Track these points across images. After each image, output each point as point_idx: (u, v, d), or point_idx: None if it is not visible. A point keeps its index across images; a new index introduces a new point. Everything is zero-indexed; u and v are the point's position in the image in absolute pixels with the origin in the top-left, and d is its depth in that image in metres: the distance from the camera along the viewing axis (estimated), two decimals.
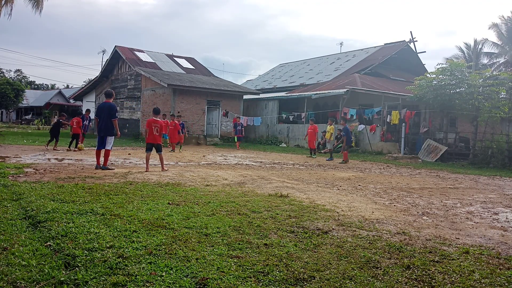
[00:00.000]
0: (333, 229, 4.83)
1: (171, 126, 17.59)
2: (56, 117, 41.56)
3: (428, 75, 20.65)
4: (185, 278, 3.13)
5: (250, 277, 3.21)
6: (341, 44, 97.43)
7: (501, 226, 5.54)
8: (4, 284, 2.89)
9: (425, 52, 39.13)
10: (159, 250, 3.72)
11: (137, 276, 3.09)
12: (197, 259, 3.53)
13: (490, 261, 3.92)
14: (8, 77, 61.33)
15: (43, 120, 47.28)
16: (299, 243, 4.18)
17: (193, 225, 4.62)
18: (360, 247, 4.13)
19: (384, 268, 3.56)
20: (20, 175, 7.97)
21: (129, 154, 14.76)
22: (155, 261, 3.42)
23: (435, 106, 19.40)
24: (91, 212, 4.99)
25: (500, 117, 18.26)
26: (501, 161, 16.13)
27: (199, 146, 22.59)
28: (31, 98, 58.28)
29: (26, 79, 77.22)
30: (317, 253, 3.89)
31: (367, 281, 3.26)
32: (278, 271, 3.36)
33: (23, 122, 52.68)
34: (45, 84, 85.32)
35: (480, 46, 37.51)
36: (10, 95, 43.79)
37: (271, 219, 5.15)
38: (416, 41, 30.62)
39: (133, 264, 3.34)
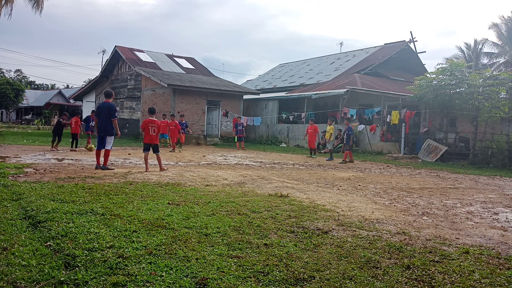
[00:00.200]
0: (333, 229, 4.83)
1: (171, 126, 17.59)
2: (56, 117, 41.63)
3: (428, 75, 20.65)
4: (185, 278, 3.14)
5: (250, 277, 3.21)
6: (341, 44, 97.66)
7: (501, 226, 5.54)
8: (4, 284, 2.89)
9: (425, 52, 39.25)
10: (159, 250, 3.72)
11: (137, 276, 3.09)
12: (197, 259, 3.53)
13: (490, 261, 3.93)
14: (8, 77, 61.26)
15: (43, 120, 47.26)
16: (299, 243, 4.18)
17: (193, 225, 4.62)
18: (360, 247, 4.13)
19: (384, 268, 3.56)
20: (20, 175, 7.97)
21: (129, 154, 14.77)
22: (155, 261, 3.42)
23: (435, 106, 19.41)
24: (91, 212, 4.99)
25: (500, 117, 18.27)
26: (501, 161, 16.14)
27: (199, 146, 22.59)
28: (31, 98, 58.24)
29: (26, 79, 77.21)
30: (317, 253, 3.89)
31: (367, 281, 3.26)
32: (278, 271, 3.36)
33: (23, 122, 52.68)
34: (45, 84, 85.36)
35: (480, 46, 37.52)
36: (10, 95, 43.75)
37: (271, 219, 5.15)
38: (416, 41, 30.67)
39: (133, 264, 3.34)
